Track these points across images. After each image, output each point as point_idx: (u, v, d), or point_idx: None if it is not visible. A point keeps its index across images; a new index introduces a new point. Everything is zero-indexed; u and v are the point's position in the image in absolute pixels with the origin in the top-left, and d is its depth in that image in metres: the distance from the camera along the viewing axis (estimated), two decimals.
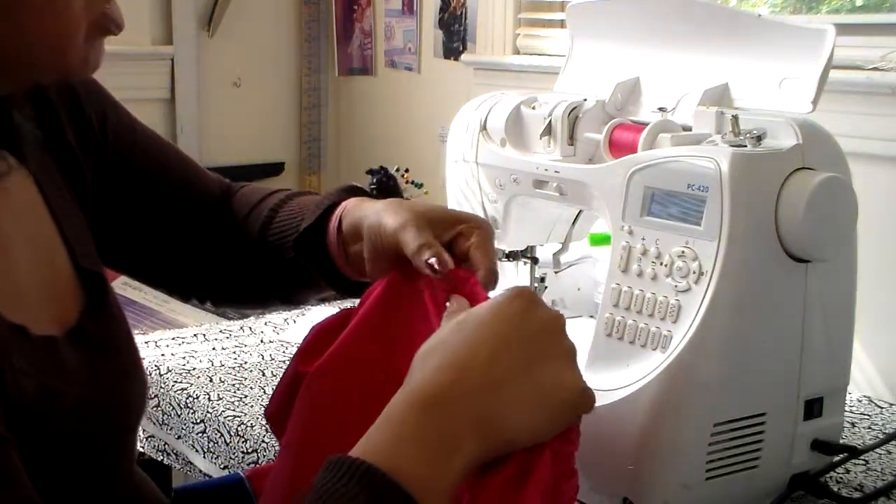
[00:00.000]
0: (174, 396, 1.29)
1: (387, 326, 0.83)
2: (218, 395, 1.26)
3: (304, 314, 1.62)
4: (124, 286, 2.01)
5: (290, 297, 1.02)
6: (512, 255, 1.24)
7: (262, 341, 1.48)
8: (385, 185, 2.04)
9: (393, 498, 0.58)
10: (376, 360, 0.81)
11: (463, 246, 0.84)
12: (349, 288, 0.94)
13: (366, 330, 0.83)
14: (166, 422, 1.30)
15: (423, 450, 0.62)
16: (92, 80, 0.92)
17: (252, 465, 1.14)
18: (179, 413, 1.27)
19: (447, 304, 0.78)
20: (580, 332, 1.16)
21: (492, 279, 0.82)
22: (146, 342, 1.46)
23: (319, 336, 0.84)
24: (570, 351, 0.69)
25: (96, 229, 0.90)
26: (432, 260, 0.80)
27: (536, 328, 0.68)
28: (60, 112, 0.87)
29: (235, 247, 1.00)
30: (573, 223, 1.22)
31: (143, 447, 1.35)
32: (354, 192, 0.95)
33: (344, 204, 0.93)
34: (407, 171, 2.11)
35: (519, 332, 0.68)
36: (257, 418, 1.19)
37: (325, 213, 0.93)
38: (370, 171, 2.09)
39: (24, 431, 0.69)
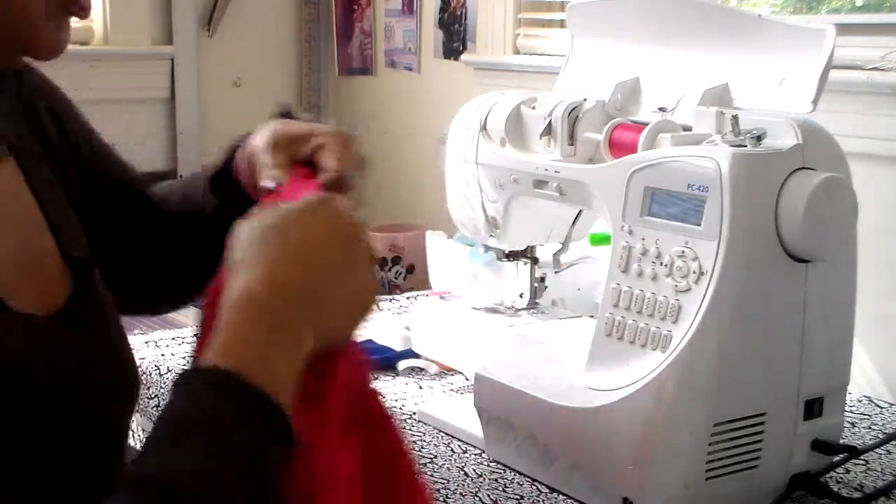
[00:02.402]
0: None
1: None
2: None
3: None
4: None
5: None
6: (512, 255, 1.24)
7: None
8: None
9: (247, 397, 0.60)
10: None
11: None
12: None
13: None
14: None
15: (264, 348, 0.63)
16: (70, 105, 0.94)
17: None
18: None
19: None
20: (580, 333, 1.16)
21: (337, 182, 0.82)
22: (146, 342, 1.46)
23: None
24: (369, 255, 0.73)
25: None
26: (263, 183, 0.83)
27: (345, 234, 0.71)
28: (46, 123, 0.89)
29: (161, 229, 1.00)
30: (573, 223, 1.22)
31: (143, 448, 1.35)
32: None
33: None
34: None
35: (331, 240, 0.70)
36: None
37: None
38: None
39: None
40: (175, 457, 0.59)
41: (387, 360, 1.33)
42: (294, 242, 0.68)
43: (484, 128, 1.16)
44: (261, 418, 0.60)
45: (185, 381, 0.61)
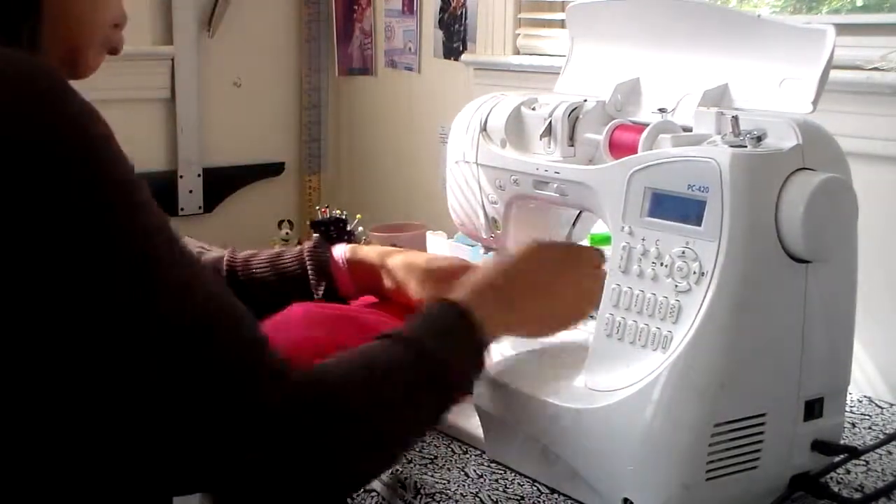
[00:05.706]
0: None
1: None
2: None
3: None
4: None
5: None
6: None
7: None
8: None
9: (468, 319, 0.93)
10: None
11: None
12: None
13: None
14: None
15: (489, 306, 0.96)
16: None
17: None
18: None
19: None
20: (580, 333, 1.16)
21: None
22: None
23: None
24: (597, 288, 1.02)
25: None
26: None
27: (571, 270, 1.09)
28: None
29: None
30: (573, 224, 1.22)
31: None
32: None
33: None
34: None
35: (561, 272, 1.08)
36: None
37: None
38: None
39: None
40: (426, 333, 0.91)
41: None
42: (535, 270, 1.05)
43: (484, 128, 1.16)
44: (474, 330, 0.93)
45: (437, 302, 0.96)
